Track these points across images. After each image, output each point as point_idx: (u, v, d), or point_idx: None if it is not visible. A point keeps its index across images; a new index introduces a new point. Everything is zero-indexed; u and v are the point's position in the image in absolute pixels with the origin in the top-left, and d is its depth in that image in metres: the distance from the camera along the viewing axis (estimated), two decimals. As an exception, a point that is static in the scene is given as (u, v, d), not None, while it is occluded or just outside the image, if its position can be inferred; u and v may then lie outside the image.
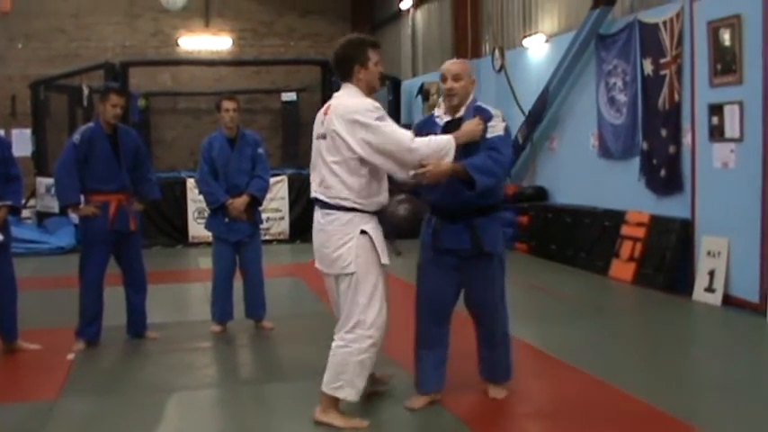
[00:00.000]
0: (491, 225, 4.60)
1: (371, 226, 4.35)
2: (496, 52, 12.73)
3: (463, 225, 4.53)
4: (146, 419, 4.80)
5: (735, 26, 7.29)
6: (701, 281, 7.80)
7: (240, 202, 6.77)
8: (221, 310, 6.93)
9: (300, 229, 13.17)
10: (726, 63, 7.45)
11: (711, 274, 7.68)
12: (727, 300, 7.51)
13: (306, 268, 10.12)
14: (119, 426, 4.69)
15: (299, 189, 13.16)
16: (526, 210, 11.32)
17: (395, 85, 16.19)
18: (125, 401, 5.13)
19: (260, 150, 6.99)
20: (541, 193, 11.52)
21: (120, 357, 6.30)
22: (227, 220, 6.82)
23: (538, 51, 11.64)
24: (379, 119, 4.21)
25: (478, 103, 4.62)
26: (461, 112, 4.57)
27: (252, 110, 17.97)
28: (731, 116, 7.42)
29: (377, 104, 4.29)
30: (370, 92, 4.46)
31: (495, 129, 4.48)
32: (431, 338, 4.72)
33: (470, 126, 4.44)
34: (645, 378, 5.42)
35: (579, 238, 9.94)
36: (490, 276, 4.66)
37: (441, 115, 4.66)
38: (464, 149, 4.41)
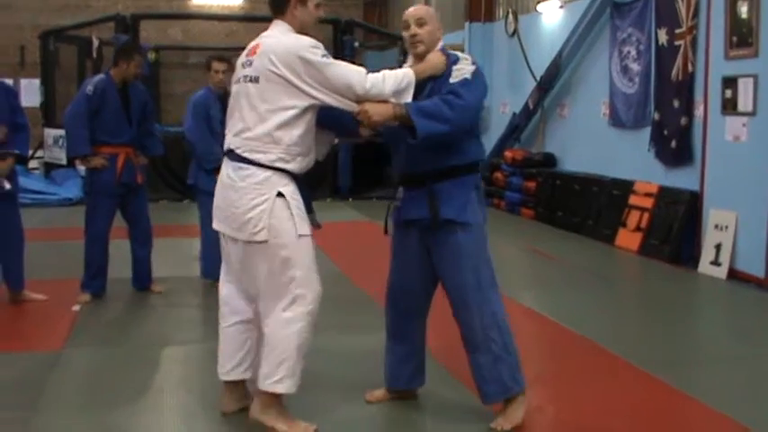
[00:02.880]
0: (456, 190, 3.82)
1: (291, 189, 3.73)
2: (510, 16, 12.62)
3: (423, 191, 3.84)
4: (149, 371, 4.83)
5: (753, -2, 7.20)
6: (707, 254, 7.78)
7: None
8: (211, 267, 6.71)
9: (312, 185, 13.16)
10: (742, 36, 7.36)
11: (718, 247, 7.66)
12: (733, 274, 7.50)
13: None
14: (123, 377, 4.71)
15: (308, 148, 13.17)
16: (534, 175, 11.29)
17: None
18: (128, 353, 5.17)
19: None
20: (550, 160, 11.48)
21: (125, 310, 6.32)
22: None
23: (552, 17, 11.53)
24: (324, 56, 3.63)
25: (446, 50, 3.93)
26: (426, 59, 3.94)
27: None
28: (745, 89, 7.35)
29: (317, 42, 3.68)
30: (301, 34, 3.80)
31: (461, 72, 3.76)
32: (398, 330, 4.15)
33: (434, 58, 3.83)
34: (647, 348, 5.43)
35: (586, 205, 9.92)
36: (457, 252, 3.83)
37: (409, 63, 3.96)
38: (429, 95, 3.79)
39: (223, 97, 6.74)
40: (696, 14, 8.14)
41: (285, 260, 3.71)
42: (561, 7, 11.21)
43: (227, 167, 3.84)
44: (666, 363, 5.07)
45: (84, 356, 5.08)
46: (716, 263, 7.65)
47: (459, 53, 3.94)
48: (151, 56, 15.97)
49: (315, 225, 3.91)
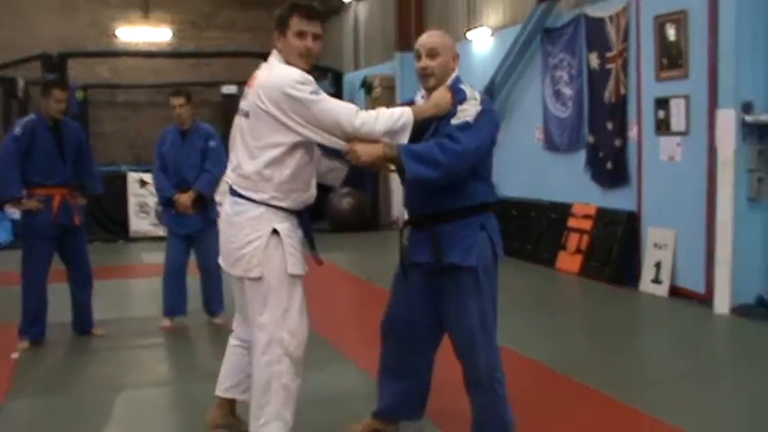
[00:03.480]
0: (461, 232, 3.64)
1: (286, 227, 3.62)
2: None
3: (427, 234, 3.70)
4: (95, 419, 4.65)
5: (681, 21, 7.38)
6: (647, 272, 7.90)
7: (185, 198, 6.61)
8: (170, 304, 6.80)
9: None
10: (672, 57, 7.54)
11: (658, 265, 7.78)
12: (674, 291, 7.62)
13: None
14: (68, 427, 4.54)
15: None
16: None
17: (336, 78, 16.14)
18: (73, 401, 4.98)
19: (211, 143, 6.78)
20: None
21: (67, 356, 6.12)
22: (174, 212, 6.70)
23: (483, 45, 11.67)
24: (314, 92, 3.46)
25: (460, 84, 3.69)
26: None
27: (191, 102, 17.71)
28: (677, 110, 7.52)
29: (307, 76, 3.51)
30: (292, 65, 3.62)
31: (464, 114, 3.53)
32: (394, 365, 3.99)
33: (437, 96, 3.61)
34: (599, 369, 5.45)
35: (525, 230, 9.99)
36: (462, 298, 3.69)
37: (419, 99, 3.80)
38: (433, 135, 3.61)
39: (186, 132, 6.72)
40: (626, 38, 8.31)
41: (264, 300, 3.63)
42: (492, 35, 11.35)
43: (227, 202, 3.75)
44: (620, 383, 5.08)
45: (27, 408, 4.88)
46: (657, 281, 7.76)
47: (469, 90, 3.66)
48: (80, 95, 15.69)
49: (317, 261, 3.88)
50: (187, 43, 18.52)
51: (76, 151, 6.39)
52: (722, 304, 6.86)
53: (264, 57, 12.84)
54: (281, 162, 3.55)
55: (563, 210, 9.39)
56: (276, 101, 3.45)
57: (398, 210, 13.71)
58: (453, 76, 3.72)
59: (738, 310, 6.81)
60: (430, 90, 3.70)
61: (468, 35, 11.94)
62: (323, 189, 4.12)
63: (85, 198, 6.62)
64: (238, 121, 3.70)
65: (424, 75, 3.69)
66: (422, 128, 3.62)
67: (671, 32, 7.53)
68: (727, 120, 6.76)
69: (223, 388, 4.08)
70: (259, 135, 3.54)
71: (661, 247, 7.80)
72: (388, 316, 4.01)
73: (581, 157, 9.26)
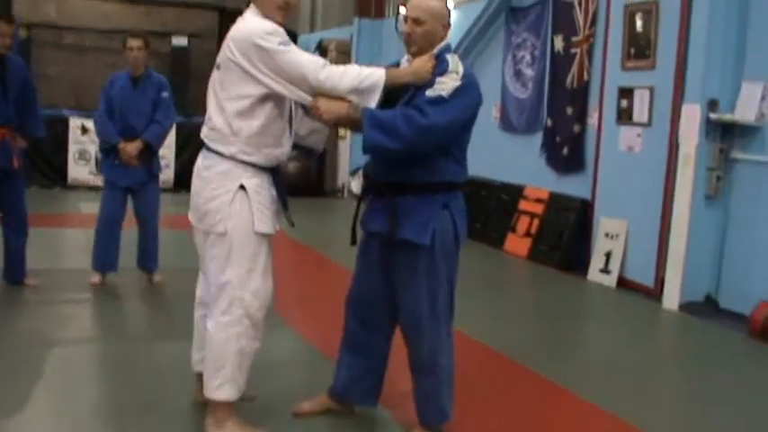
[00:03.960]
0: (420, 207, 3.47)
1: (255, 183, 3.53)
2: (401, 12, 12.47)
3: (385, 204, 3.54)
4: (27, 377, 4.38)
5: (652, 12, 7.27)
6: (596, 261, 7.85)
7: (132, 147, 6.30)
8: (101, 259, 6.49)
9: (185, 178, 12.64)
10: (639, 47, 7.44)
11: (608, 255, 7.73)
12: (622, 282, 7.58)
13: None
14: (-5, 383, 4.28)
15: (187, 137, 12.78)
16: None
17: (291, 39, 15.74)
18: (2, 355, 4.70)
19: (164, 94, 6.50)
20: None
21: (-4, 306, 5.82)
22: (116, 162, 6.37)
23: (445, 18, 11.45)
24: (282, 43, 3.37)
25: (447, 54, 3.49)
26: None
27: (140, 51, 17.20)
28: (641, 100, 7.44)
29: (278, 28, 3.42)
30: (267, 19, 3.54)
31: (440, 87, 3.35)
32: (355, 342, 3.84)
33: (418, 63, 3.43)
34: (545, 355, 5.37)
35: (475, 209, 9.81)
36: (413, 276, 3.53)
37: (405, 63, 3.59)
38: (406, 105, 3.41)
39: (137, 79, 6.42)
40: (594, 23, 8.20)
41: (228, 257, 3.52)
42: (455, 8, 11.14)
43: (200, 156, 3.66)
44: (567, 371, 5.01)
45: (-49, 359, 4.60)
46: (605, 271, 7.72)
47: (453, 62, 3.45)
48: (23, 33, 15.08)
49: (289, 222, 3.76)
50: (139, -11, 17.94)
51: (20, 90, 6.04)
52: (671, 300, 6.83)
53: (218, 9, 12.53)
54: (249, 114, 3.48)
55: (515, 191, 9.29)
56: (245, 51, 3.39)
57: (344, 177, 13.52)
58: (442, 44, 3.53)
59: (687, 307, 6.78)
60: (413, 56, 3.53)
61: (431, 7, 11.71)
62: (304, 153, 4.00)
63: (26, 140, 6.29)
64: (213, 75, 3.60)
65: (406, 40, 3.53)
66: (396, 94, 3.44)
67: (640, 22, 7.43)
68: (693, 115, 6.69)
69: (197, 360, 3.91)
70: (228, 86, 3.48)
71: (612, 237, 7.74)
72: (350, 290, 3.86)
73: (537, 139, 9.17)
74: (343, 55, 13.54)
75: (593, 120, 8.23)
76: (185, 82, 17.00)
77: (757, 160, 6.56)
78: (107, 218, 6.49)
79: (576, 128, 8.46)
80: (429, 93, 3.36)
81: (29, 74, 6.26)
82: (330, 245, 8.60)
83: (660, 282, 7.14)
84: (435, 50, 3.50)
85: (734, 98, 6.67)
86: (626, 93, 7.61)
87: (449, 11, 3.61)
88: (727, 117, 6.62)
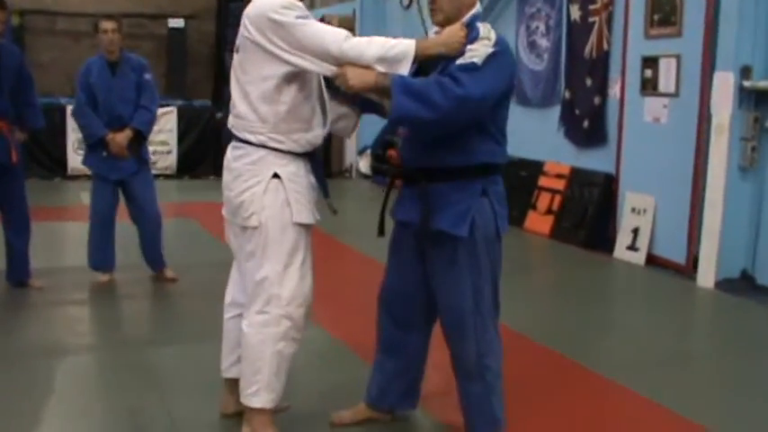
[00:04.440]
0: (456, 195, 3.17)
1: (290, 171, 3.27)
2: (405, -14, 12.10)
3: (417, 192, 3.24)
4: (38, 390, 4.08)
5: (677, -25, 6.92)
6: (623, 238, 7.54)
7: (122, 137, 5.92)
8: (99, 258, 6.12)
9: (189, 164, 12.49)
10: (665, 14, 7.08)
11: (635, 231, 7.41)
12: (651, 259, 7.27)
13: (199, 208, 9.43)
14: (3, 398, 3.95)
15: (189, 121, 12.52)
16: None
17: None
18: (9, 366, 4.38)
19: (146, 76, 6.11)
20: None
21: (1, 311, 5.49)
22: (105, 154, 5.97)
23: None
24: (300, 17, 3.12)
25: (478, 23, 3.19)
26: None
27: (136, 35, 16.71)
28: (667, 70, 7.09)
29: (296, 2, 3.19)
30: None
31: (473, 54, 3.04)
32: (392, 342, 3.53)
33: (448, 32, 3.13)
34: (581, 343, 5.08)
35: (490, 187, 9.55)
36: (454, 271, 3.22)
37: (431, 33, 3.34)
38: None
39: (115, 64, 6.01)
40: (613, -10, 7.84)
41: (263, 252, 3.27)
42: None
43: (229, 147, 3.41)
44: (612, 362, 4.73)
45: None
46: (633, 248, 7.41)
47: (484, 28, 3.14)
48: (15, 20, 14.68)
49: (331, 210, 3.58)
50: (132, -29, 17.49)
51: (16, 79, 5.71)
52: (707, 278, 6.51)
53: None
54: (274, 97, 3.24)
55: (534, 168, 8.94)
56: (261, 28, 3.16)
57: (351, 157, 13.18)
58: (472, 12, 3.21)
59: (722, 285, 6.48)
60: (440, 26, 3.24)
61: (437, -22, 11.32)
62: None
63: (25, 132, 5.97)
64: (234, 59, 3.38)
65: (432, 9, 3.24)
66: (425, 68, 3.14)
67: (665, -14, 7.07)
68: (725, 84, 6.35)
69: (224, 367, 3.64)
70: (249, 69, 3.26)
71: (639, 213, 7.43)
72: (383, 285, 3.55)
73: (555, 113, 8.82)
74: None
75: (614, 91, 7.88)
76: (183, 65, 16.65)
77: (794, 129, 6.25)
78: (100, 215, 6.11)
79: (597, 99, 8.11)
80: (460, 61, 3.04)
81: (24, 61, 5.92)
82: (349, 232, 8.17)
83: (692, 258, 6.84)
84: (465, 19, 3.18)
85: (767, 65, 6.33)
86: (650, 62, 7.26)
87: None
88: (762, 84, 6.28)
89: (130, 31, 15.13)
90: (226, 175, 3.39)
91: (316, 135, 3.34)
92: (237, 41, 3.32)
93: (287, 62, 3.15)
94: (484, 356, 3.28)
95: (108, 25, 5.97)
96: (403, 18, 12.19)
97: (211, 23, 15.52)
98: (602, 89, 8.04)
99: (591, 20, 8.14)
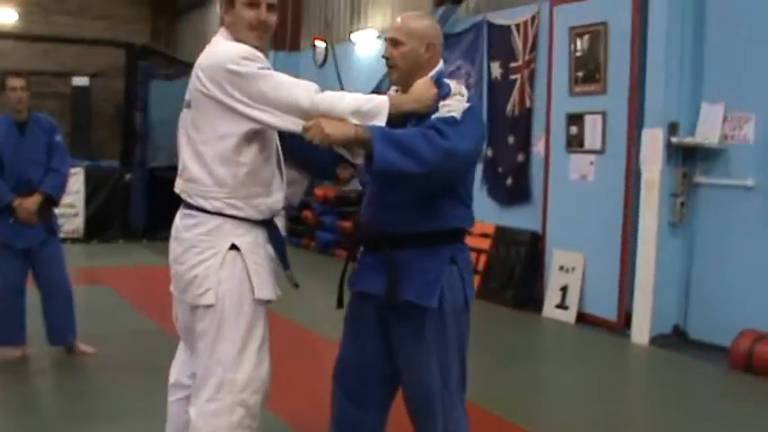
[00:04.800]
0: (424, 263, 2.92)
1: (248, 241, 2.92)
2: (318, 46, 12.02)
3: (381, 259, 2.96)
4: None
5: (601, 33, 6.98)
6: (552, 297, 7.46)
7: (31, 203, 5.47)
8: (9, 333, 5.61)
9: (97, 227, 11.98)
10: (589, 71, 7.14)
11: (564, 289, 7.35)
12: (582, 317, 7.21)
13: (111, 274, 8.98)
14: None
15: (96, 183, 12.04)
16: (350, 214, 10.69)
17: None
18: None
19: (57, 138, 5.72)
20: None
21: None
22: (12, 221, 5.50)
23: (368, 47, 11.04)
24: (263, 68, 2.82)
25: (444, 79, 3.01)
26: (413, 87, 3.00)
27: (39, 93, 16.08)
28: (593, 126, 7.12)
29: (255, 52, 2.86)
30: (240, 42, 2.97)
31: (449, 109, 2.85)
32: (345, 421, 3.20)
33: (419, 88, 2.92)
34: (508, 396, 5.00)
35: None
36: (420, 345, 2.95)
37: (391, 91, 3.14)
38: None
39: (23, 124, 5.63)
40: (534, 48, 7.87)
41: (217, 332, 2.88)
42: (379, 37, 10.74)
43: (177, 215, 3.03)
44: (551, 424, 4.61)
45: None
46: (562, 306, 7.34)
47: (455, 85, 2.96)
48: None
49: (292, 284, 3.07)
50: (34, 28, 16.99)
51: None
52: (641, 334, 6.47)
53: (128, 46, 11.70)
54: (232, 159, 2.88)
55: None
56: (218, 80, 2.81)
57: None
58: (436, 68, 3.01)
59: (657, 341, 6.44)
60: (397, 84, 3.04)
61: (353, 37, 11.30)
62: None
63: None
64: (182, 115, 3.01)
65: (387, 65, 3.03)
66: (392, 126, 2.85)
67: (588, 45, 7.13)
68: (654, 140, 6.39)
69: None
70: (202, 126, 2.89)
71: (568, 271, 7.37)
72: (338, 361, 3.21)
73: (477, 171, 8.73)
74: (258, 89, 12.98)
75: (537, 148, 7.89)
76: (88, 124, 16.17)
77: (721, 184, 6.30)
78: (8, 287, 5.59)
79: (520, 157, 8.10)
80: (438, 115, 2.83)
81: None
82: (294, 305, 7.86)
83: (624, 315, 6.80)
84: (432, 75, 2.98)
85: (693, 120, 6.41)
86: (575, 119, 7.29)
87: (437, 31, 3.10)
88: (689, 140, 6.34)
89: (33, 89, 14.58)
90: (175, 247, 3.00)
91: (276, 200, 3.01)
92: (187, 96, 2.97)
93: (248, 117, 2.82)
94: None
95: (16, 83, 5.57)
96: (317, 75, 12.08)
97: (118, 81, 15.08)
98: (526, 146, 8.04)
99: (512, 77, 8.16)
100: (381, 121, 2.75)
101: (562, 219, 7.54)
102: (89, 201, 11.95)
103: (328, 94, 2.81)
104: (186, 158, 2.95)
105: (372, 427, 3.19)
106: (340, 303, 3.22)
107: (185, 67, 15.03)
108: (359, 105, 2.77)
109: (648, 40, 6.50)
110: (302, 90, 2.78)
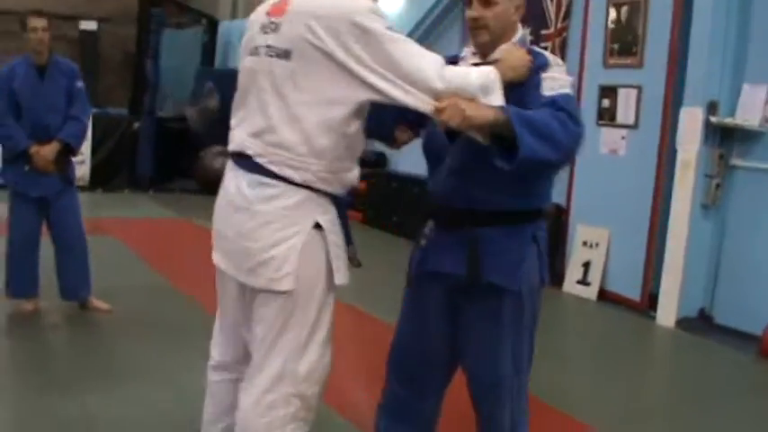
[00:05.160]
0: (509, 242, 2.71)
1: (329, 218, 2.61)
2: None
3: (460, 237, 2.74)
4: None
5: (641, 5, 6.76)
6: (573, 272, 7.33)
7: (49, 150, 5.29)
8: (21, 284, 5.46)
9: (103, 176, 11.79)
10: (625, 43, 6.93)
11: (586, 265, 7.22)
12: (603, 294, 7.08)
13: (118, 225, 8.80)
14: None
15: (104, 131, 11.85)
16: (364, 176, 10.47)
17: (211, 26, 14.83)
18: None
19: (78, 84, 5.49)
20: (381, 160, 10.76)
21: None
22: (27, 168, 5.32)
23: (393, 5, 10.75)
24: (390, 28, 2.43)
25: (530, 46, 2.77)
26: (497, 53, 2.69)
27: (46, 35, 15.94)
28: (626, 100, 6.94)
29: (378, 6, 2.50)
30: None
31: (557, 82, 2.59)
32: (397, 406, 3.02)
33: (513, 56, 2.60)
34: (559, 391, 4.75)
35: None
36: (496, 328, 2.76)
37: (467, 55, 2.81)
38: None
39: (43, 67, 5.42)
40: (567, 16, 7.66)
41: (287, 319, 2.59)
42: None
43: (238, 178, 2.62)
44: (582, 407, 4.46)
45: None
46: (584, 282, 7.21)
47: (545, 52, 2.73)
48: None
49: (353, 262, 2.78)
50: (42, -33, 16.60)
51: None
52: (667, 316, 6.34)
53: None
54: (338, 128, 2.49)
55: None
56: (339, 33, 2.40)
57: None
58: (519, 33, 2.77)
59: (682, 324, 6.33)
60: (481, 47, 2.73)
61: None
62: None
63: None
64: (262, 63, 2.55)
65: (474, 27, 2.69)
66: None
67: (626, 16, 6.92)
68: (694, 119, 6.21)
69: None
70: (305, 85, 2.46)
71: (591, 246, 7.24)
72: (394, 344, 3.03)
73: (499, 139, 8.58)
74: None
75: (566, 119, 7.69)
76: (96, 70, 15.83)
77: (759, 167, 6.14)
78: (23, 238, 5.44)
79: (546, 128, 7.90)
80: (549, 91, 2.57)
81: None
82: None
83: (647, 295, 6.69)
84: (516, 40, 2.74)
85: (733, 101, 6.23)
86: (608, 91, 7.10)
87: None
88: (729, 121, 6.17)
89: (41, 32, 14.28)
90: (243, 219, 2.58)
91: (356, 174, 2.72)
92: (281, 44, 2.49)
93: (370, 87, 2.42)
94: (517, 426, 2.87)
95: (38, 23, 5.33)
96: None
97: (126, 27, 14.81)
98: (553, 117, 7.84)
99: (542, 45, 7.94)
100: (499, 97, 2.48)
101: (588, 193, 7.38)
102: (96, 148, 11.71)
103: (455, 68, 2.48)
104: (275, 119, 2.50)
105: (427, 414, 3.04)
106: (409, 282, 2.99)
107: (197, 16, 14.80)
108: (484, 80, 2.44)
109: (694, 16, 6.27)
110: (432, 62, 2.42)
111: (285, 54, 2.47)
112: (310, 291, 2.60)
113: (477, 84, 2.41)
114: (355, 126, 2.53)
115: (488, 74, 2.45)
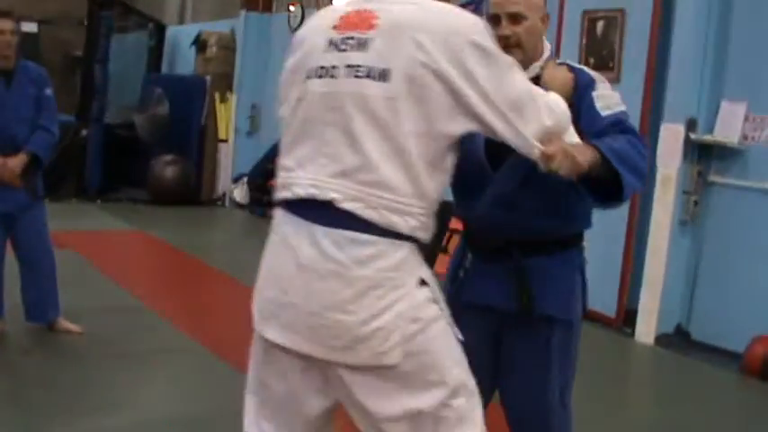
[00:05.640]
0: (559, 271, 2.62)
1: (430, 272, 2.19)
2: (293, 8, 11.53)
3: (506, 267, 2.62)
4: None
5: (617, 20, 6.76)
6: (546, 287, 7.27)
7: (16, 163, 4.99)
8: None
9: (48, 185, 11.22)
10: (601, 58, 6.91)
11: (560, 281, 7.16)
12: (577, 310, 7.03)
13: (74, 238, 8.46)
14: None
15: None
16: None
17: (159, 31, 14.46)
18: None
19: (47, 91, 5.21)
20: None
21: None
22: None
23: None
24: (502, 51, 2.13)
25: (569, 62, 2.63)
26: (532, 72, 2.51)
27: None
28: (602, 116, 6.90)
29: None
30: None
31: (612, 100, 2.51)
32: None
33: (556, 75, 2.45)
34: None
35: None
36: (545, 361, 2.64)
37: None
38: None
39: (9, 73, 5.11)
40: (540, 30, 7.61)
41: (400, 390, 2.09)
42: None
43: (313, 235, 2.08)
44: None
45: None
46: (557, 298, 7.15)
47: (584, 68, 2.61)
48: None
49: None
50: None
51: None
52: (646, 333, 6.32)
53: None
54: (439, 164, 2.10)
55: (444, 208, 8.56)
56: (457, 54, 2.00)
57: (225, 185, 12.42)
58: (548, 47, 2.64)
59: (660, 340, 6.31)
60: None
61: (336, 1, 10.85)
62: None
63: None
64: (341, 85, 2.08)
65: (506, 46, 2.39)
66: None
67: (602, 31, 6.91)
68: (675, 136, 6.21)
69: None
70: (415, 113, 2.02)
71: (564, 262, 7.18)
72: None
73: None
74: (225, 51, 12.42)
75: (537, 133, 7.66)
76: (36, 74, 15.38)
77: (737, 184, 6.16)
78: None
79: (516, 141, 7.86)
80: (606, 110, 2.47)
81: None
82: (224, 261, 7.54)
83: (623, 312, 6.66)
84: (546, 57, 2.60)
85: (711, 118, 6.24)
86: (583, 107, 7.06)
87: None
88: (708, 138, 6.18)
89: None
90: (331, 287, 2.04)
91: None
92: (373, 61, 2.04)
93: (484, 123, 2.06)
94: None
95: (6, 25, 5.03)
96: (289, 40, 11.59)
97: (67, 30, 14.44)
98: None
99: (513, 59, 7.90)
100: (573, 130, 2.30)
101: (561, 208, 7.32)
102: (46, 157, 11.33)
103: (548, 99, 2.18)
104: (374, 153, 2.03)
105: None
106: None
107: (143, 20, 14.41)
108: (565, 110, 2.21)
109: (673, 32, 6.29)
110: (540, 92, 2.14)
111: (382, 75, 2.02)
112: (443, 357, 2.17)
113: (567, 118, 2.21)
114: (451, 161, 2.15)
115: (559, 102, 2.23)
